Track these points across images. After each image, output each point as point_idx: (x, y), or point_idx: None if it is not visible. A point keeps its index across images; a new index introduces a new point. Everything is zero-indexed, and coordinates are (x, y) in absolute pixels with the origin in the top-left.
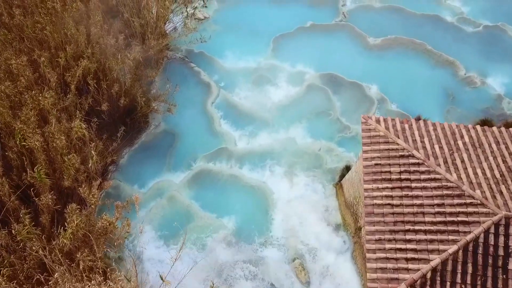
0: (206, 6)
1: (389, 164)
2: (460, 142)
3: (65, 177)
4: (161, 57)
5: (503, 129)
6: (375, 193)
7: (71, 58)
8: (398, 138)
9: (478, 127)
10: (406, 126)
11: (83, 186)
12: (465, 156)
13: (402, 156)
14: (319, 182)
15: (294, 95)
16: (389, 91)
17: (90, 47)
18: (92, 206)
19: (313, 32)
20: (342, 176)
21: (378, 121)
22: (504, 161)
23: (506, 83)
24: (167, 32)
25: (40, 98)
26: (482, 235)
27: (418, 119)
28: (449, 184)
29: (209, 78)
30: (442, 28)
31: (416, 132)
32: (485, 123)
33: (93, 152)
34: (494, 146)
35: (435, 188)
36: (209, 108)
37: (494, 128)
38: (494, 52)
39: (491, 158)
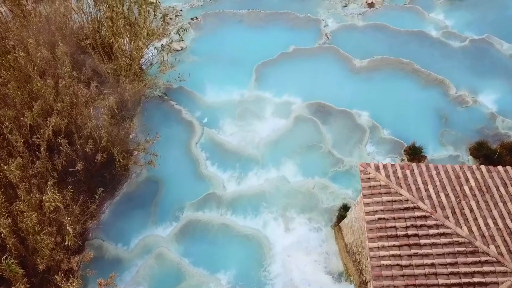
0: (182, 40)
1: (394, 218)
2: (466, 187)
3: (38, 260)
4: (137, 97)
5: (508, 168)
6: (382, 253)
7: (39, 115)
8: (401, 187)
9: (483, 168)
10: (408, 172)
11: (59, 273)
12: (473, 203)
13: (407, 209)
14: (316, 224)
15: (282, 128)
16: (380, 116)
17: (60, 100)
18: None
19: (297, 57)
20: (340, 216)
21: (377, 168)
22: None
23: (498, 99)
24: (142, 67)
25: (5, 168)
26: None
27: (412, 148)
28: (460, 239)
29: (191, 116)
30: (428, 44)
31: (419, 179)
32: (481, 145)
33: (69, 228)
34: (502, 189)
35: (445, 244)
36: (194, 150)
37: (500, 168)
38: (483, 67)
39: (501, 204)
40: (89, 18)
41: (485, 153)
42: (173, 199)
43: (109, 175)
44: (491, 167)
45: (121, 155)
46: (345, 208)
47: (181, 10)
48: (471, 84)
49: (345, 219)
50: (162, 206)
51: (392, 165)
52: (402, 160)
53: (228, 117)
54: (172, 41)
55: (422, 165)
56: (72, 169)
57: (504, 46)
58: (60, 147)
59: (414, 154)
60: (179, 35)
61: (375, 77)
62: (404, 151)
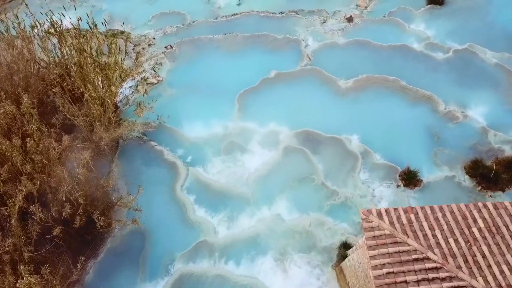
0: (158, 76)
1: (403, 272)
2: (475, 229)
3: None
4: (115, 141)
5: None
6: None
7: (7, 182)
8: (407, 235)
9: (490, 205)
10: (412, 216)
11: None
12: (485, 248)
13: (416, 260)
14: (316, 265)
15: (271, 161)
16: (371, 140)
17: (29, 160)
18: None
19: (280, 82)
20: (340, 255)
21: (380, 215)
22: None
23: (487, 112)
24: (118, 105)
25: None
26: None
27: (407, 173)
28: None
29: (174, 156)
30: (412, 58)
31: (425, 224)
32: (477, 163)
33: None
34: None
35: None
36: (179, 193)
37: (507, 203)
38: (469, 79)
39: None
40: (56, 58)
41: (481, 172)
42: (162, 251)
43: (90, 235)
44: (497, 203)
45: (102, 218)
46: (345, 246)
47: (154, 38)
48: (459, 98)
49: (346, 261)
50: (151, 259)
51: (395, 209)
52: (398, 186)
53: (213, 153)
54: (147, 78)
55: (427, 207)
56: (49, 236)
57: (488, 54)
58: (33, 216)
59: (410, 179)
60: (154, 71)
61: (361, 97)
62: (399, 176)
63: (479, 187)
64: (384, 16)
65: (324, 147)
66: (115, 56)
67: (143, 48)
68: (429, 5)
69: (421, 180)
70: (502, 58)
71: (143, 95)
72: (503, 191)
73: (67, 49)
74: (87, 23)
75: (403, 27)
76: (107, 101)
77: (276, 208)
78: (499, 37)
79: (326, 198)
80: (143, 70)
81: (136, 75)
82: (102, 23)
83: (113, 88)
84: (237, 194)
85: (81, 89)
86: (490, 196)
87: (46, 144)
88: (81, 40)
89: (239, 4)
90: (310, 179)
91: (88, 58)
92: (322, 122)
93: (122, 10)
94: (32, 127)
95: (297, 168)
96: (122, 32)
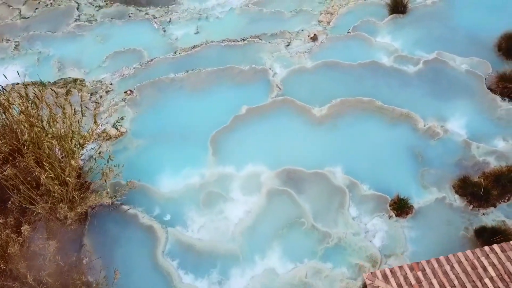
0: (119, 130)
1: None
2: (487, 280)
3: None
4: (82, 213)
5: None
6: None
7: None
8: None
9: (497, 248)
10: (420, 274)
11: None
12: None
13: None
14: None
15: (255, 208)
16: (355, 170)
17: None
18: None
19: (252, 118)
20: None
21: (385, 277)
22: None
23: (466, 123)
24: (82, 167)
25: None
26: None
27: (397, 202)
28: None
29: (150, 218)
30: (383, 75)
31: (435, 281)
32: (465, 182)
33: None
34: None
35: None
36: (161, 261)
37: None
38: (442, 90)
39: None
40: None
41: (471, 191)
42: None
43: None
44: (504, 244)
45: None
46: None
47: (111, 83)
48: (436, 112)
49: None
50: None
51: (401, 268)
52: (390, 217)
53: (192, 207)
54: (109, 137)
55: (433, 260)
56: None
57: (457, 61)
58: None
59: (401, 208)
60: (117, 129)
61: (339, 124)
62: (390, 206)
63: (471, 206)
64: (348, 32)
65: (308, 185)
66: (71, 123)
67: (101, 97)
68: (392, 15)
69: (412, 206)
70: (471, 64)
71: (108, 161)
72: (495, 206)
73: (14, 123)
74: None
75: (369, 41)
76: (68, 179)
77: (268, 262)
78: (465, 41)
79: (319, 242)
80: (104, 130)
81: (97, 137)
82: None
83: (73, 162)
84: (224, 252)
85: (36, 172)
86: (483, 214)
87: (4, 236)
88: (30, 108)
89: (197, 33)
90: (299, 223)
91: (41, 131)
92: (302, 157)
93: (72, 53)
94: None
95: (283, 212)
96: (75, 81)
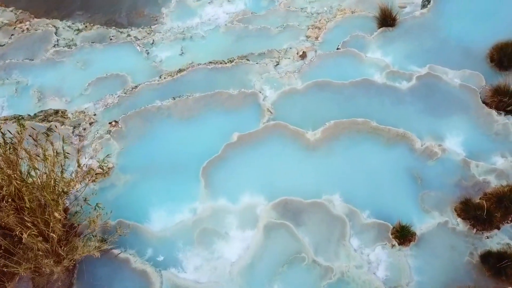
0: (104, 169)
1: None
2: None
3: None
4: (70, 263)
5: None
6: None
7: None
8: None
9: None
10: None
11: None
12: None
13: None
14: None
15: (252, 245)
16: (354, 197)
17: None
18: None
19: (244, 146)
20: None
21: None
22: None
23: (464, 140)
24: (68, 212)
25: None
26: None
27: (399, 230)
28: None
29: (142, 262)
30: (375, 93)
31: None
32: (466, 204)
33: None
34: None
35: None
36: None
37: None
38: (437, 106)
39: None
40: None
41: (473, 214)
42: None
43: None
44: None
45: None
46: None
47: (95, 114)
48: (432, 130)
49: None
50: None
51: None
52: (393, 246)
53: (186, 246)
54: (95, 178)
55: None
56: None
57: (450, 75)
58: None
59: (404, 236)
60: (102, 169)
61: (334, 148)
62: (392, 234)
63: (474, 230)
64: (338, 48)
65: (307, 216)
66: (53, 169)
67: (84, 129)
68: (381, 29)
69: (415, 233)
70: (463, 76)
71: (95, 209)
72: (498, 228)
73: None
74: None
75: (360, 57)
76: (52, 235)
77: None
78: (456, 53)
79: (321, 278)
80: (89, 171)
81: (82, 179)
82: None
83: (57, 214)
84: None
85: (17, 231)
86: (487, 237)
87: None
88: (7, 153)
89: (181, 54)
90: (300, 259)
91: (21, 183)
92: (298, 185)
93: (52, 81)
94: None
95: (283, 248)
96: (56, 112)
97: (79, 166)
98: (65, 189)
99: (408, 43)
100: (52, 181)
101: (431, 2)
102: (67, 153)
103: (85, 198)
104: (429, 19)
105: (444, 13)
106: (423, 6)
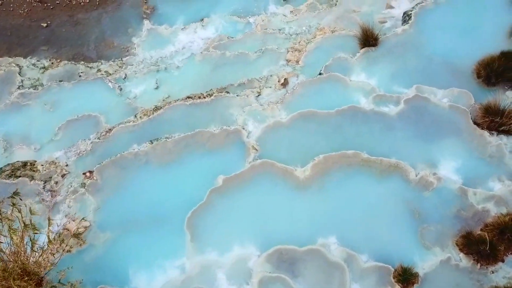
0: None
1: None
2: None
3: None
4: None
5: None
6: None
7: None
8: None
9: None
10: None
11: None
12: None
13: None
14: None
15: None
16: (350, 239)
17: None
18: None
19: (231, 189)
20: None
21: None
22: None
23: (459, 166)
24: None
25: None
26: None
27: (402, 273)
28: None
29: None
30: (363, 120)
31: None
32: (468, 238)
33: None
34: None
35: None
36: None
37: None
38: (428, 131)
39: None
40: None
41: (476, 249)
42: None
43: None
44: None
45: None
46: None
47: (67, 164)
48: (426, 157)
49: None
50: None
51: None
52: None
53: None
54: (70, 248)
55: None
56: None
57: (438, 95)
58: None
59: (406, 279)
60: (78, 238)
61: (325, 185)
62: (394, 278)
63: (478, 265)
64: (320, 73)
65: (303, 266)
66: (20, 251)
67: (56, 183)
68: (363, 49)
69: (418, 274)
70: (452, 95)
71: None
72: (503, 261)
73: None
74: None
75: (344, 82)
76: None
77: None
78: (442, 70)
79: None
80: (63, 241)
81: (55, 252)
82: None
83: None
84: None
85: None
86: (492, 272)
87: None
88: None
89: (156, 88)
90: None
91: None
92: (291, 230)
93: (18, 127)
94: None
95: None
96: (24, 165)
97: (50, 242)
98: (37, 270)
99: (393, 62)
100: (20, 264)
101: (412, 17)
102: (42, 199)
103: (59, 280)
104: (412, 36)
105: (426, 29)
106: (404, 21)
